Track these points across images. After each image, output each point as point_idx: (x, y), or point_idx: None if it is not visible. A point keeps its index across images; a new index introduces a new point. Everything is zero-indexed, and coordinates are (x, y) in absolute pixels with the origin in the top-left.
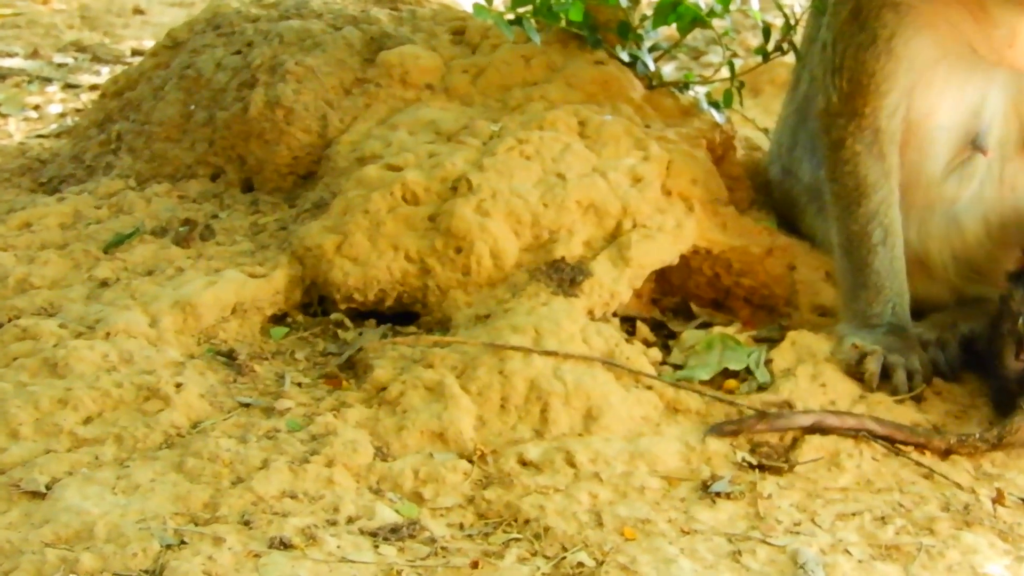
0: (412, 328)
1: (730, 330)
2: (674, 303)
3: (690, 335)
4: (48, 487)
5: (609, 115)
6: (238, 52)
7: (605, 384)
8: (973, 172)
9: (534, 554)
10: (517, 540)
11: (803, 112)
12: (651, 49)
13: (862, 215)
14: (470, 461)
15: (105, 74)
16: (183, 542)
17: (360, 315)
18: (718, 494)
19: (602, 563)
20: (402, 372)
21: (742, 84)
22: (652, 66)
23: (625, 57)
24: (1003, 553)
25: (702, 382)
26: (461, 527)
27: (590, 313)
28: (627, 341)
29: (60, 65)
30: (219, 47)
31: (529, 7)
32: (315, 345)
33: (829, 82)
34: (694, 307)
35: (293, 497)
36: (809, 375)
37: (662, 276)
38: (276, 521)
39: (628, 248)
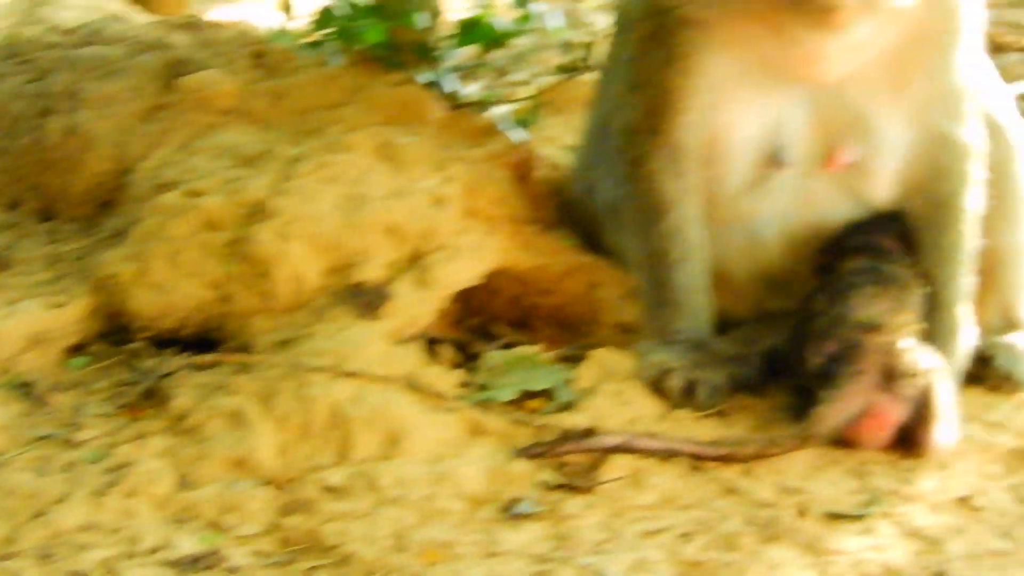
0: (213, 355)
1: (533, 350)
2: (477, 324)
3: (493, 356)
4: None
5: (409, 136)
6: (36, 80)
7: (407, 407)
8: (773, 187)
9: None
10: (320, 567)
11: (604, 130)
12: (453, 69)
13: (663, 232)
14: (272, 488)
15: None
16: None
17: (161, 343)
18: (521, 515)
19: None
20: (203, 400)
21: (544, 103)
22: (453, 87)
23: (426, 78)
24: (808, 566)
25: (505, 403)
26: (263, 555)
27: (392, 336)
28: (430, 363)
29: None
30: (16, 75)
31: (329, 29)
32: (115, 375)
33: (629, 99)
34: (496, 328)
35: (93, 529)
36: (612, 393)
37: (465, 297)
38: (75, 554)
39: (430, 270)
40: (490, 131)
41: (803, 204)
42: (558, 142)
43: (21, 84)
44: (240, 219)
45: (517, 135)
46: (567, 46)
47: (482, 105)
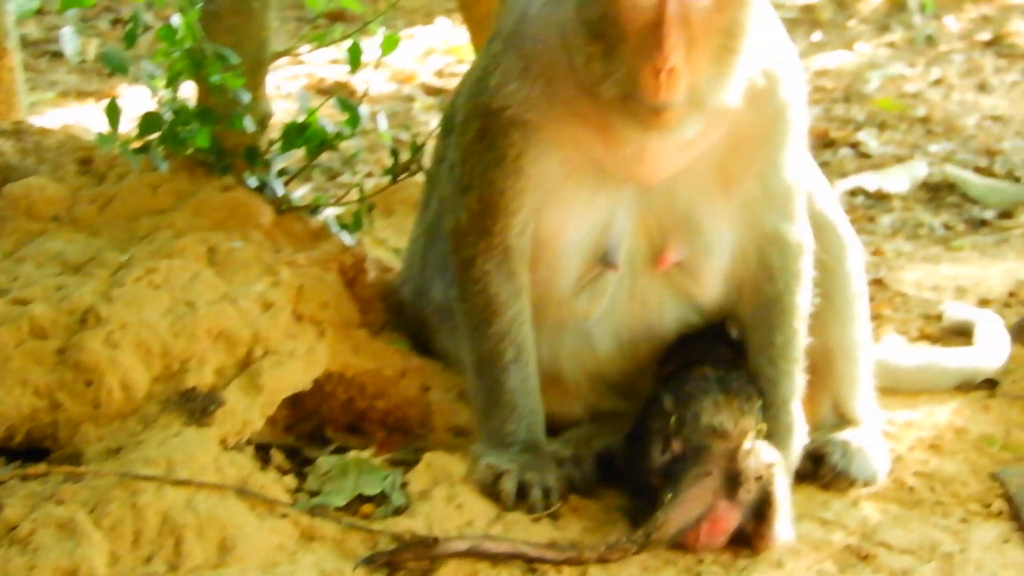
0: (43, 465)
1: (365, 454)
2: (309, 428)
3: (325, 461)
4: None
5: (238, 241)
6: None
7: (239, 514)
8: (603, 288)
9: None
10: None
11: (434, 231)
12: (281, 173)
13: (494, 334)
14: None
15: None
16: None
17: None
18: None
19: None
20: (32, 510)
21: (372, 205)
22: (281, 190)
23: (254, 182)
24: None
25: (338, 508)
26: None
27: (223, 442)
28: (261, 469)
29: None
30: None
31: (155, 134)
32: None
33: (458, 201)
34: (329, 432)
35: None
36: (445, 497)
37: (296, 402)
38: None
39: (260, 375)
40: (320, 234)
41: (634, 304)
42: (388, 244)
43: None
44: (68, 327)
45: (347, 238)
46: (396, 147)
47: (312, 208)
